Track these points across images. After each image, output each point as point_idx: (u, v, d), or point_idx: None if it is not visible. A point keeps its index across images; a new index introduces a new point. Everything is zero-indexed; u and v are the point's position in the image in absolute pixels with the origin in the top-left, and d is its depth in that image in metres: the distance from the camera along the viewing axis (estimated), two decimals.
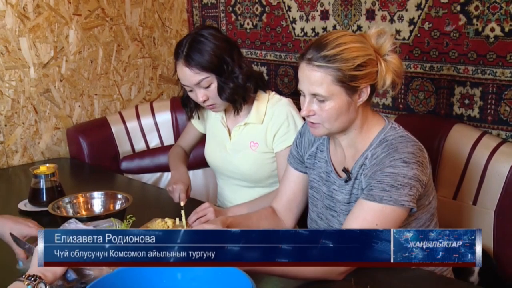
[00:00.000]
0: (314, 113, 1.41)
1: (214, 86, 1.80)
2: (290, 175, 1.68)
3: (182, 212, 1.71)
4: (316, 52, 1.38)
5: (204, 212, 1.70)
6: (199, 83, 1.79)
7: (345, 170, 1.49)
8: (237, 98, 1.84)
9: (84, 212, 1.79)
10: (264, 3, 2.61)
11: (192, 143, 2.21)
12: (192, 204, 1.81)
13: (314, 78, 1.37)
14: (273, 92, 1.95)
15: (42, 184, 1.88)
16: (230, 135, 1.97)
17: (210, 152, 2.06)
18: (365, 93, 1.41)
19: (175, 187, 1.86)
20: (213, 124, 2.04)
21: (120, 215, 1.66)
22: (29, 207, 1.90)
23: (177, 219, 1.70)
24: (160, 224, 1.67)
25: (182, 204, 1.78)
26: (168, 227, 1.66)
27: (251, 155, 1.92)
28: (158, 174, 2.58)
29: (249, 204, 1.83)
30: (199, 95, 1.82)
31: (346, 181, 1.48)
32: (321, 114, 1.40)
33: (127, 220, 1.52)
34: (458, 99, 2.02)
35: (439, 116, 2.08)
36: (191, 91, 1.85)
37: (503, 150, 1.78)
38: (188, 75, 1.78)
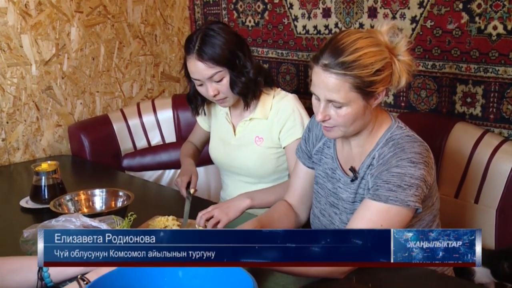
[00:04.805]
0: (330, 118, 1.40)
1: (226, 80, 1.81)
2: (299, 170, 1.68)
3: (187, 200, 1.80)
4: (333, 58, 1.34)
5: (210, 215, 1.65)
6: (212, 77, 1.79)
7: (352, 169, 1.48)
8: (248, 92, 1.85)
9: (85, 210, 1.79)
10: (266, 0, 2.61)
11: (201, 140, 2.22)
12: (195, 202, 1.81)
13: (331, 85, 1.34)
14: (279, 89, 1.95)
15: (44, 181, 1.88)
16: (234, 131, 1.97)
17: (215, 148, 2.06)
18: (381, 95, 1.40)
19: (178, 181, 1.91)
20: (218, 120, 2.04)
21: (121, 212, 1.66)
22: (30, 204, 1.90)
23: (172, 218, 1.70)
24: (162, 221, 1.67)
25: (192, 191, 1.85)
26: (167, 226, 1.66)
27: (256, 150, 1.93)
28: (160, 171, 2.58)
29: (271, 190, 1.85)
30: (210, 89, 1.82)
31: (352, 180, 1.48)
32: (337, 119, 1.39)
33: (128, 217, 1.52)
34: (460, 97, 2.01)
35: (441, 115, 2.07)
36: (201, 85, 1.84)
37: (505, 148, 1.78)
38: (201, 69, 1.78)
